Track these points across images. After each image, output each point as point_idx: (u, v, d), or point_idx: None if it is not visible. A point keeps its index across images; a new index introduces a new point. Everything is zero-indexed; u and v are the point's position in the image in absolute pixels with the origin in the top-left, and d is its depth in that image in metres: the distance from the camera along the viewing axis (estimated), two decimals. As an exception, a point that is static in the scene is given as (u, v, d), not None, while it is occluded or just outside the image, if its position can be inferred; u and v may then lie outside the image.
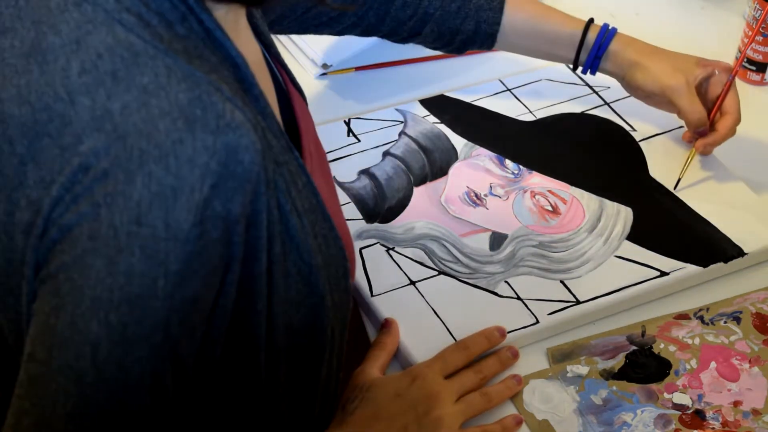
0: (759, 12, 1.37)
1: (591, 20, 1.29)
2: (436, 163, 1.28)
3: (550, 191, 1.25)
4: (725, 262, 1.18)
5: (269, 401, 0.89)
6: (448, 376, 1.05)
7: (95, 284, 0.72)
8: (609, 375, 1.08)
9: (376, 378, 1.04)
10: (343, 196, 1.23)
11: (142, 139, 0.73)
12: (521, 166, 1.28)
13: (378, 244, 1.18)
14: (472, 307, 1.12)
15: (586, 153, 1.31)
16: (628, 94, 1.32)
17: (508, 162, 1.29)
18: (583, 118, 1.36)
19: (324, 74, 1.42)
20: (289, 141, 0.86)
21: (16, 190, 0.78)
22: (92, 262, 0.72)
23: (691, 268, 1.17)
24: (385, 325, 1.09)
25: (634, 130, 1.34)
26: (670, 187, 1.26)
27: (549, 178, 1.27)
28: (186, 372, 0.77)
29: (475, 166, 1.28)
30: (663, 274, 1.16)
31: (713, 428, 1.04)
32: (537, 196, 1.25)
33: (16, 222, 0.78)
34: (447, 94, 1.38)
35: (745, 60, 1.42)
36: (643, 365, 1.09)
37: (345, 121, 1.34)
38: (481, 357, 1.08)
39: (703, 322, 1.13)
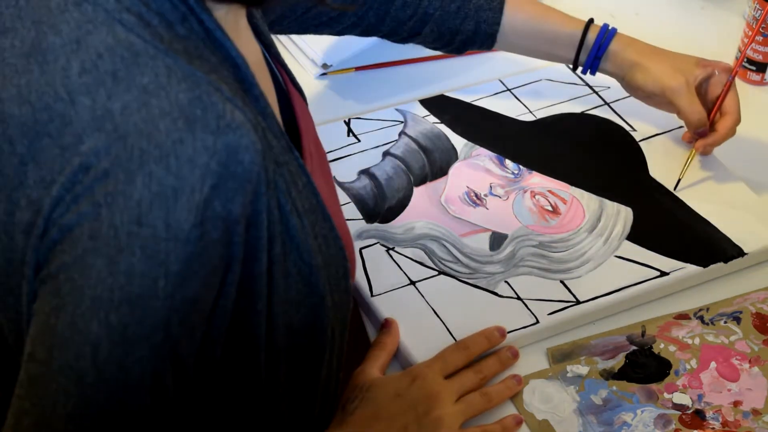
0: (759, 12, 1.37)
1: (591, 20, 1.29)
2: (436, 163, 1.28)
3: (550, 191, 1.25)
4: (725, 262, 1.18)
5: (269, 401, 0.89)
6: (448, 376, 1.05)
7: (96, 284, 0.72)
8: (609, 375, 1.08)
9: (376, 378, 1.04)
10: (343, 196, 1.23)
11: (143, 139, 0.73)
12: (521, 166, 1.28)
13: (378, 244, 1.18)
14: (472, 307, 1.12)
15: (586, 153, 1.31)
16: (628, 94, 1.32)
17: (508, 162, 1.29)
18: (583, 118, 1.36)
19: (324, 74, 1.42)
20: (289, 141, 0.86)
21: (16, 190, 0.78)
22: (93, 262, 0.72)
23: (691, 268, 1.17)
24: (385, 325, 1.09)
25: (634, 130, 1.34)
26: (670, 187, 1.26)
27: (549, 178, 1.27)
28: (186, 372, 0.77)
29: (475, 166, 1.28)
30: (663, 274, 1.16)
31: (713, 428, 1.04)
32: (537, 196, 1.25)
33: (17, 222, 0.78)
34: (447, 94, 1.38)
35: (745, 60, 1.42)
36: (643, 365, 1.09)
37: (345, 121, 1.34)
38: (481, 357, 1.08)
39: (703, 322, 1.13)
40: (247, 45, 0.88)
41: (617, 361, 1.09)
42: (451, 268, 1.16)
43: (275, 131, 0.84)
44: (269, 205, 0.79)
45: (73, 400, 0.73)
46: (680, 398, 1.06)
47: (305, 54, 1.43)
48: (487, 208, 1.23)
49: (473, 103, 1.37)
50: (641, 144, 1.32)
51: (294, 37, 1.44)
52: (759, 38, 1.40)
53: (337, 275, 0.90)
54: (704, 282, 1.18)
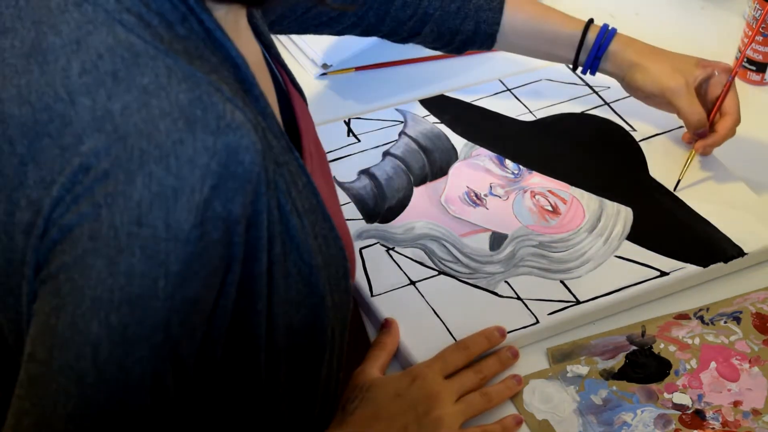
0: (759, 12, 1.37)
1: (591, 21, 1.29)
2: (436, 163, 1.28)
3: (550, 191, 1.25)
4: (725, 262, 1.18)
5: (269, 401, 0.89)
6: (448, 376, 1.05)
7: (96, 284, 0.72)
8: (609, 375, 1.08)
9: (376, 378, 1.04)
10: (343, 196, 1.23)
11: (143, 140, 0.73)
12: (521, 166, 1.28)
13: (378, 244, 1.18)
14: (472, 307, 1.12)
15: (586, 153, 1.31)
16: (628, 94, 1.32)
17: (508, 162, 1.29)
18: (583, 118, 1.36)
19: (324, 74, 1.42)
20: (289, 141, 0.86)
21: (16, 190, 0.78)
22: (93, 262, 0.72)
23: (691, 268, 1.17)
24: (385, 325, 1.09)
25: (634, 130, 1.34)
26: (670, 187, 1.26)
27: (549, 178, 1.27)
28: (186, 372, 0.77)
29: (475, 166, 1.28)
30: (663, 274, 1.16)
31: (713, 428, 1.04)
32: (537, 196, 1.25)
33: (17, 222, 0.78)
34: (447, 94, 1.38)
35: (745, 60, 1.42)
36: (643, 365, 1.09)
37: (345, 121, 1.34)
38: (481, 357, 1.08)
39: (703, 322, 1.13)
40: (247, 45, 0.88)
41: (617, 361, 1.09)
42: (451, 268, 1.16)
43: (275, 131, 0.84)
44: (269, 206, 0.79)
45: (73, 401, 0.73)
46: (680, 398, 1.06)
47: (305, 54, 1.43)
48: (487, 208, 1.23)
49: (473, 103, 1.37)
50: (641, 144, 1.32)
51: (294, 37, 1.44)
52: (759, 38, 1.40)
53: (337, 275, 0.90)
54: (704, 282, 1.18)
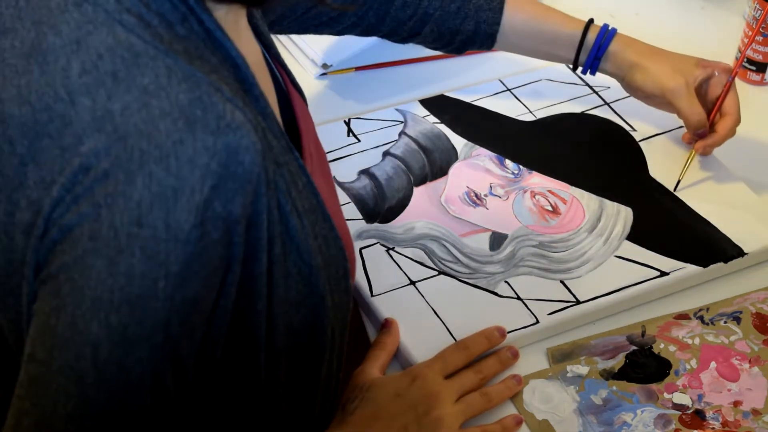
0: (759, 12, 1.37)
1: (591, 21, 1.29)
2: (436, 163, 1.28)
3: (550, 191, 1.25)
4: (725, 262, 1.18)
5: (269, 401, 0.89)
6: (448, 376, 1.05)
7: (96, 285, 0.72)
8: (609, 375, 1.08)
9: (376, 378, 1.04)
10: (343, 196, 1.23)
11: (143, 140, 0.73)
12: (521, 166, 1.28)
13: (378, 244, 1.18)
14: (472, 307, 1.12)
15: (586, 153, 1.31)
16: (628, 94, 1.32)
17: (508, 162, 1.29)
18: (583, 118, 1.36)
19: (324, 74, 1.42)
20: (289, 141, 0.86)
21: (16, 190, 0.78)
22: (93, 262, 0.72)
23: (691, 268, 1.17)
24: (385, 325, 1.09)
25: (634, 130, 1.34)
26: (670, 187, 1.26)
27: (549, 178, 1.27)
28: (186, 372, 0.77)
29: (475, 166, 1.28)
30: (663, 274, 1.16)
31: (713, 428, 1.04)
32: (537, 196, 1.25)
33: (17, 222, 0.78)
34: (447, 94, 1.38)
35: (745, 60, 1.42)
36: (643, 365, 1.09)
37: (345, 121, 1.34)
38: (481, 357, 1.08)
39: (703, 322, 1.13)
40: (247, 45, 0.88)
41: (617, 361, 1.09)
42: (451, 268, 1.16)
43: (275, 131, 0.84)
44: (269, 206, 0.79)
45: (73, 401, 0.73)
46: (680, 398, 1.06)
47: (305, 54, 1.43)
48: (487, 208, 1.23)
49: (473, 103, 1.37)
50: (641, 144, 1.32)
51: (294, 37, 1.44)
52: (759, 38, 1.40)
53: (337, 275, 0.90)
54: (704, 282, 1.18)
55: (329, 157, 1.26)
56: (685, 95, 1.24)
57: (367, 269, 1.16)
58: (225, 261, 0.76)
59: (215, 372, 0.82)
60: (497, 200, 1.24)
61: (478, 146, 1.30)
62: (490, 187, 1.26)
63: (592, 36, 1.27)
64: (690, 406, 1.06)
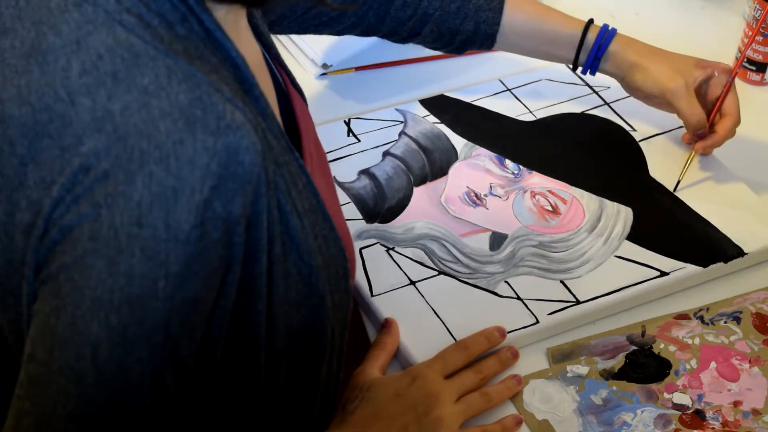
0: (759, 12, 1.37)
1: (591, 21, 1.29)
2: (436, 163, 1.28)
3: (550, 191, 1.25)
4: (725, 262, 1.18)
5: (269, 401, 0.89)
6: (448, 376, 1.05)
7: (96, 285, 0.72)
8: (609, 375, 1.08)
9: (376, 378, 1.04)
10: (343, 196, 1.23)
11: (143, 140, 0.73)
12: (521, 166, 1.28)
13: (378, 244, 1.19)
14: (472, 307, 1.12)
15: (586, 153, 1.31)
16: (628, 94, 1.32)
17: (508, 162, 1.29)
18: (583, 118, 1.36)
19: (324, 74, 1.42)
20: (289, 142, 0.86)
21: (16, 190, 0.78)
22: (93, 262, 0.72)
23: (691, 268, 1.17)
24: (385, 325, 1.09)
25: (634, 130, 1.34)
26: (670, 187, 1.26)
27: (549, 178, 1.27)
28: (186, 372, 0.77)
29: (475, 166, 1.28)
30: (663, 274, 1.16)
31: (713, 428, 1.04)
32: (537, 196, 1.25)
33: (17, 222, 0.78)
34: (447, 94, 1.38)
35: (745, 60, 1.42)
36: (643, 365, 1.09)
37: (345, 121, 1.34)
38: (481, 357, 1.08)
39: (703, 322, 1.13)
40: (247, 45, 0.88)
41: (617, 361, 1.09)
42: (451, 268, 1.16)
43: (275, 132, 0.84)
44: (269, 206, 0.79)
45: (73, 401, 0.73)
46: (680, 398, 1.06)
47: (305, 54, 1.43)
48: (487, 208, 1.23)
49: (473, 103, 1.37)
50: (641, 144, 1.32)
51: (294, 37, 1.44)
52: (759, 38, 1.40)
53: (337, 275, 0.90)
54: (704, 282, 1.18)
55: (329, 157, 1.26)
56: (685, 96, 1.24)
57: (367, 269, 1.16)
58: (225, 261, 0.76)
59: (215, 372, 0.82)
60: (497, 200, 1.24)
61: (478, 146, 1.30)
62: (490, 187, 1.26)
63: (592, 36, 1.27)
64: (690, 406, 1.06)
